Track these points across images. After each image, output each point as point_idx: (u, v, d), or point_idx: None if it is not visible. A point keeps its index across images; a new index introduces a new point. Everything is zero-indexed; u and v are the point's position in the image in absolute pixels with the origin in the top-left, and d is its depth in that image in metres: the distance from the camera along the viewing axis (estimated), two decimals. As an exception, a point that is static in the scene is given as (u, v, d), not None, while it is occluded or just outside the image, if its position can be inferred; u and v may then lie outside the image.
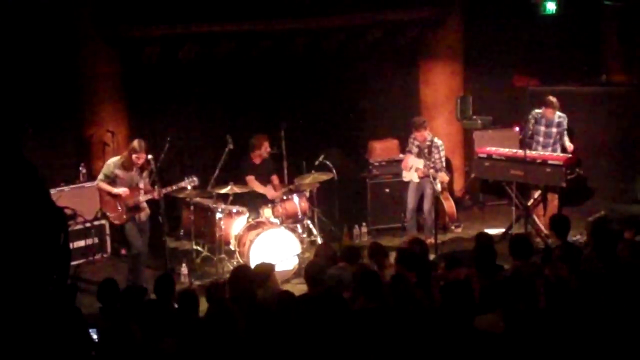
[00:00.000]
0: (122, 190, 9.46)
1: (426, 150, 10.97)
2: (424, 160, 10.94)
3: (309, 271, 7.31)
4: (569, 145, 11.09)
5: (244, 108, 12.53)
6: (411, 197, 11.26)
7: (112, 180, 9.51)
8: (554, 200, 10.97)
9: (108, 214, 9.64)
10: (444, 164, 11.04)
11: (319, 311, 6.19)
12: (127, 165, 9.48)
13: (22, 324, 5.05)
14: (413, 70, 13.45)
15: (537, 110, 11.14)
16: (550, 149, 11.08)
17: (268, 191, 10.86)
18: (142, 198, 9.57)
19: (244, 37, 11.97)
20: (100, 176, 9.60)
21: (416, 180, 11.11)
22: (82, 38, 11.45)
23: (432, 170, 10.83)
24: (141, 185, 9.60)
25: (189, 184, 9.93)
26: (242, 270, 7.41)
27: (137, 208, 9.58)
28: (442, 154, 11.05)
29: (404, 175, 11.32)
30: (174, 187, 9.82)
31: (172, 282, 7.26)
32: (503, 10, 12.87)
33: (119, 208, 9.50)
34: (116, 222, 9.65)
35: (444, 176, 10.82)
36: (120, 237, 10.37)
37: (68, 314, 5.82)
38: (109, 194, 9.50)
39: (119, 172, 9.50)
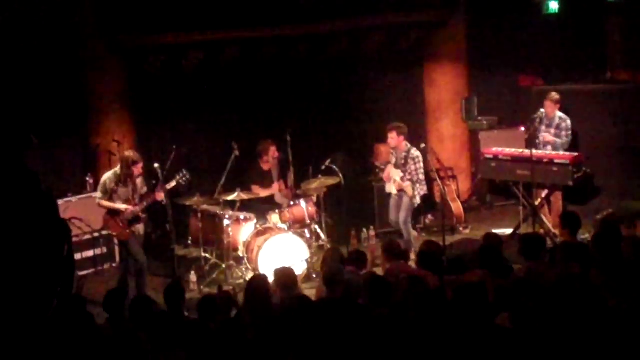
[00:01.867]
0: (124, 207, 9.39)
1: (402, 161, 10.63)
2: (400, 172, 10.59)
3: (328, 274, 7.30)
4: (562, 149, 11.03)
5: (249, 114, 12.55)
6: (392, 209, 10.84)
7: (109, 196, 9.43)
8: (558, 200, 10.94)
9: (113, 233, 9.65)
10: (420, 176, 10.55)
11: (339, 315, 6.19)
12: (123, 179, 9.41)
13: (26, 335, 5.05)
14: (418, 72, 13.45)
15: (542, 110, 11.11)
16: (549, 147, 11.07)
17: (274, 190, 10.96)
18: (140, 208, 9.52)
19: (248, 43, 11.99)
20: (99, 194, 9.49)
21: (394, 192, 10.74)
22: (86, 48, 11.48)
23: (408, 183, 10.49)
24: (136, 195, 9.53)
25: (181, 179, 9.81)
26: (259, 280, 7.37)
27: (137, 219, 9.52)
28: (419, 165, 10.52)
29: (387, 187, 10.91)
30: (167, 187, 9.68)
31: (182, 290, 7.25)
32: (506, 10, 12.87)
33: (121, 224, 9.45)
34: (121, 238, 9.61)
35: (408, 187, 10.47)
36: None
37: (74, 325, 5.83)
38: (110, 211, 9.43)
39: (116, 187, 9.42)
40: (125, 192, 9.45)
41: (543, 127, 11.13)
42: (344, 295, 6.94)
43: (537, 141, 11.12)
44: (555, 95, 11.15)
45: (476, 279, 7.00)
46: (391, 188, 10.75)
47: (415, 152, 10.55)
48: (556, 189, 10.85)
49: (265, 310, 6.69)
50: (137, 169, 9.40)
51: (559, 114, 11.11)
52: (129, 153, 9.56)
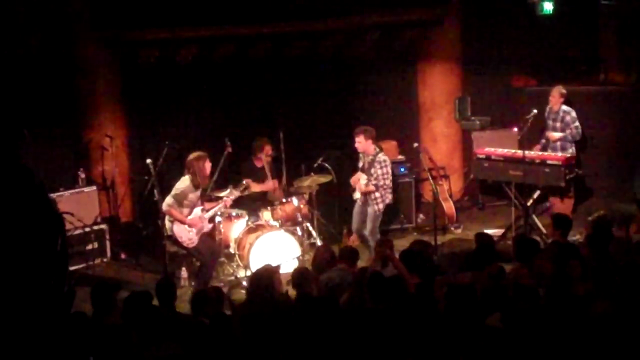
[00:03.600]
0: (193, 222, 9.33)
1: (368, 165, 10.14)
2: (366, 176, 10.18)
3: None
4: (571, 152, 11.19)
5: (242, 111, 12.53)
6: (355, 216, 10.39)
7: (180, 204, 9.31)
8: (570, 199, 11.02)
9: (181, 238, 9.42)
10: (387, 182, 10.10)
11: (308, 314, 6.22)
12: (197, 184, 9.31)
13: (19, 329, 5.04)
14: (411, 72, 13.44)
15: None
16: (558, 144, 11.19)
17: (267, 185, 10.89)
18: (208, 215, 9.52)
19: (242, 40, 11.98)
20: (169, 200, 9.23)
21: (357, 197, 10.35)
22: (80, 42, 11.46)
23: (371, 187, 10.10)
24: (199, 201, 9.51)
25: (243, 190, 10.04)
26: (266, 271, 7.38)
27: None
28: (385, 170, 10.07)
29: (354, 193, 10.42)
30: (233, 197, 9.87)
31: (173, 285, 7.25)
32: (500, 11, 12.89)
33: (190, 232, 9.37)
34: (191, 246, 9.46)
35: (368, 187, 10.08)
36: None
37: (66, 319, 5.80)
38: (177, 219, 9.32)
39: (192, 195, 9.33)
40: (195, 198, 9.40)
41: (550, 123, 11.26)
42: (310, 295, 6.96)
43: (542, 141, 11.31)
44: (562, 89, 11.50)
45: (467, 280, 7.02)
46: (356, 194, 10.39)
47: (382, 157, 10.17)
48: (549, 190, 10.87)
49: (269, 302, 6.74)
50: (209, 165, 9.39)
51: (564, 107, 11.35)
52: (203, 153, 9.39)
